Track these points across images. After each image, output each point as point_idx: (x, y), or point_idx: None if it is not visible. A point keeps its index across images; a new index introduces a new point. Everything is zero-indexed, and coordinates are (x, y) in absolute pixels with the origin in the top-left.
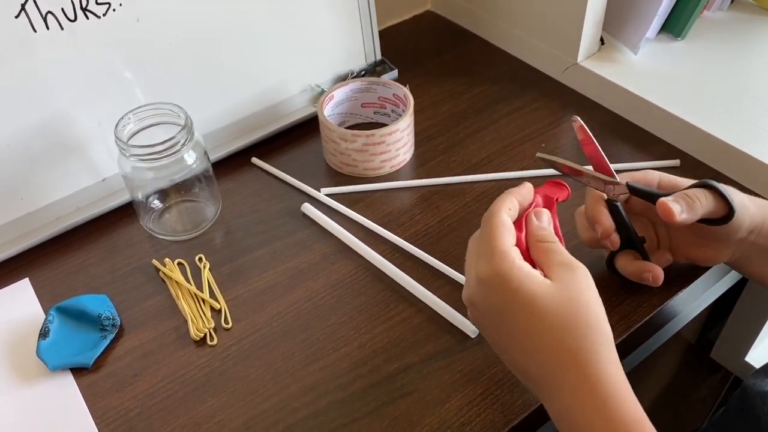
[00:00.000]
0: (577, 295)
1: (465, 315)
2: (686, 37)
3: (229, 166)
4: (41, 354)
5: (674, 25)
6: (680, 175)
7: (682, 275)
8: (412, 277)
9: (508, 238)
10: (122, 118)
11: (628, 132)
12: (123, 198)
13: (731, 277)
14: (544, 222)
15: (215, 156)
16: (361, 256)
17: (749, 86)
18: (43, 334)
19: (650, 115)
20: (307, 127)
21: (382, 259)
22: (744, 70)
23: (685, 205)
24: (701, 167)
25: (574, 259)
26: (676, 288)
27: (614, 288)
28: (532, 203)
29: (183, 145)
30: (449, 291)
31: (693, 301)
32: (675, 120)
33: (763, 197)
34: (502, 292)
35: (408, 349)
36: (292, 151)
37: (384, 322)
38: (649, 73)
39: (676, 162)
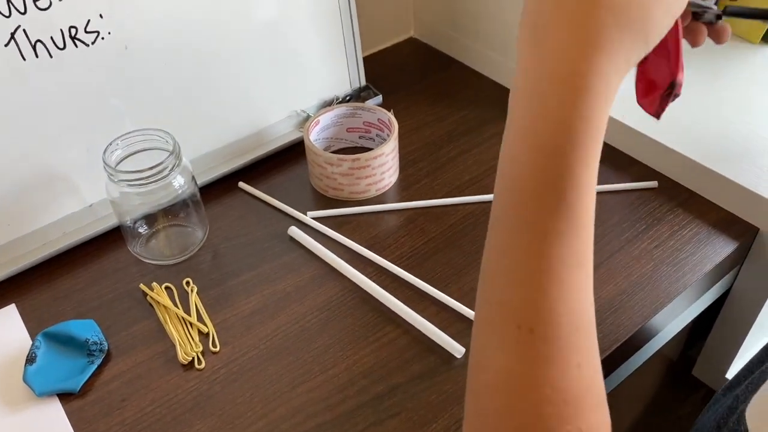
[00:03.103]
0: (656, 2)
1: (451, 335)
2: None
3: (216, 190)
4: (28, 379)
5: None
6: (657, 197)
7: (661, 294)
8: (398, 299)
9: None
10: (110, 144)
11: (608, 154)
12: (110, 223)
13: (711, 294)
14: None
15: (203, 180)
16: (347, 279)
17: (724, 110)
18: (30, 359)
19: (628, 138)
20: (294, 152)
21: (369, 281)
22: (719, 95)
23: None
24: (678, 188)
25: None
26: (656, 306)
27: (596, 307)
28: None
29: (171, 170)
30: (435, 312)
31: (673, 319)
32: (652, 143)
33: (737, 216)
34: None
35: (395, 370)
36: (279, 176)
37: (371, 343)
38: (628, 98)
39: (653, 183)
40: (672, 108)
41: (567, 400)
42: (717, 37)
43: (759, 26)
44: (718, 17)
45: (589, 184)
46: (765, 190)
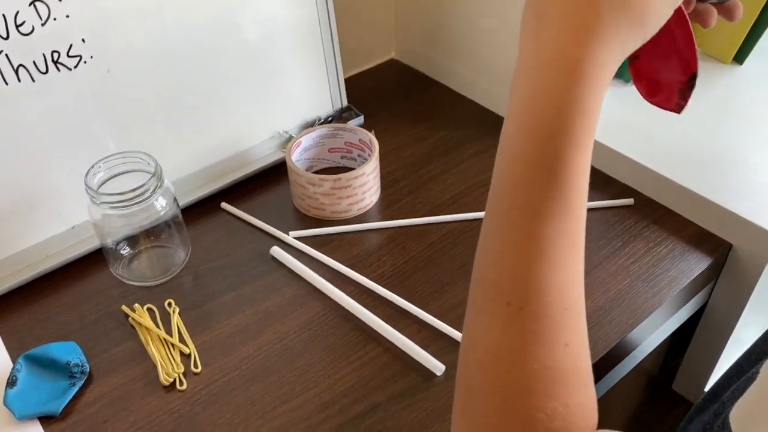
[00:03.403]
0: None
1: (431, 353)
2: None
3: (198, 211)
4: (8, 403)
5: (625, 72)
6: (633, 214)
7: (638, 310)
8: (379, 317)
9: None
10: (93, 166)
11: None
12: (92, 245)
13: (688, 309)
14: None
15: (185, 201)
16: (329, 298)
17: (698, 129)
18: (11, 383)
19: (605, 157)
20: (276, 172)
21: (350, 300)
22: (693, 114)
23: None
24: (653, 205)
25: None
26: (633, 322)
27: None
28: None
29: (153, 192)
30: (416, 330)
31: (651, 334)
32: (628, 162)
33: (710, 232)
34: None
35: (376, 389)
36: (261, 196)
37: (352, 362)
38: (603, 118)
39: (630, 201)
40: (647, 127)
41: (554, 378)
42: (729, 15)
43: (731, 45)
44: None
45: (581, 167)
46: (737, 206)
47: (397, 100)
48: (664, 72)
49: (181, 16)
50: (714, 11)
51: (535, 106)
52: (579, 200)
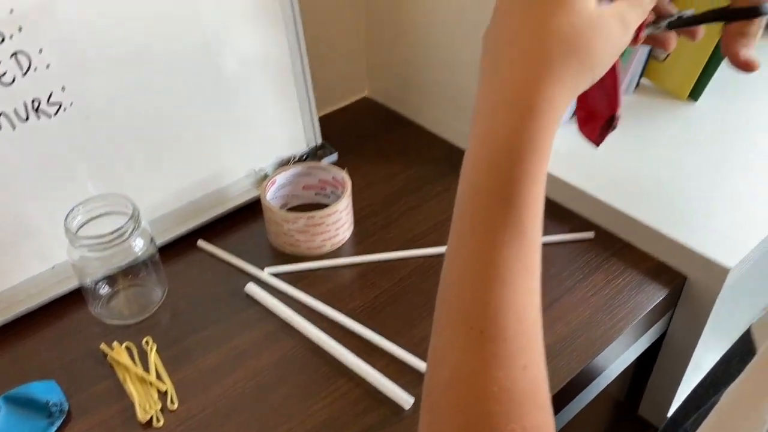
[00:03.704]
0: (603, 35)
1: (401, 386)
2: None
3: (175, 249)
4: None
5: None
6: (594, 247)
7: (597, 341)
8: (351, 351)
9: None
10: (72, 210)
11: (548, 206)
12: (72, 284)
13: (648, 337)
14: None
15: (162, 240)
16: (302, 333)
17: (655, 164)
18: None
19: (567, 192)
20: (252, 209)
21: (323, 335)
22: (650, 150)
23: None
24: (613, 238)
25: (632, 28)
26: (593, 352)
27: None
28: None
29: (130, 234)
30: (386, 363)
31: (612, 363)
32: (588, 197)
33: (667, 265)
34: None
35: (348, 424)
36: (238, 233)
37: (324, 397)
38: (566, 154)
39: (590, 234)
40: (608, 163)
41: (513, 399)
42: (692, 36)
43: (686, 82)
44: (681, 24)
45: (536, 197)
46: (691, 240)
47: (370, 138)
48: (597, 106)
49: (157, 61)
50: (672, 37)
51: (492, 142)
52: (534, 229)
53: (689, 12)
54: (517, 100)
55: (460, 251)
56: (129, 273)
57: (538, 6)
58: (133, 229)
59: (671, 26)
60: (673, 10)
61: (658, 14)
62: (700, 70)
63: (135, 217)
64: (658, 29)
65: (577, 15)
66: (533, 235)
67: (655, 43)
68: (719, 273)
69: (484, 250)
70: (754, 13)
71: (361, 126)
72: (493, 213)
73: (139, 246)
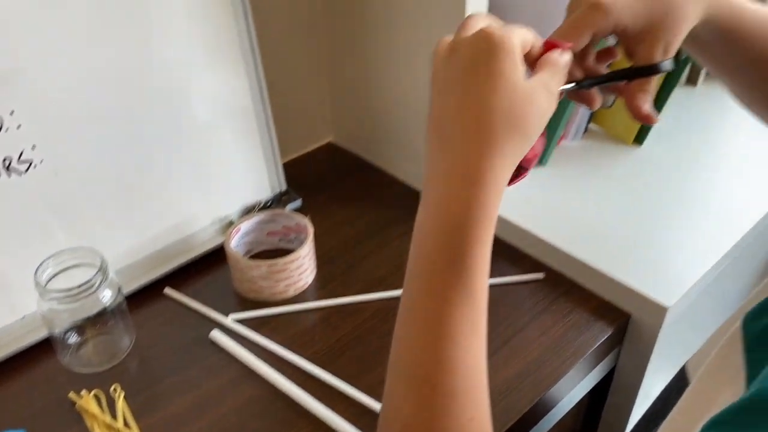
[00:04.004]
0: (535, 106)
1: (360, 428)
2: (547, 164)
3: (143, 296)
4: None
5: (542, 157)
6: (544, 288)
7: (546, 379)
8: (312, 395)
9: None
10: (42, 263)
11: (502, 248)
12: (41, 334)
13: (598, 372)
14: (566, 58)
15: (130, 288)
16: (265, 378)
17: (600, 208)
18: None
19: (519, 234)
20: (218, 256)
21: (285, 380)
22: (597, 194)
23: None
24: (562, 279)
25: (558, 93)
26: (542, 389)
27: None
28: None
29: (98, 286)
30: (345, 407)
31: (562, 399)
32: (538, 240)
33: (612, 304)
34: (493, 50)
35: None
36: (204, 279)
37: None
38: (517, 198)
39: (540, 275)
40: (556, 206)
41: None
42: (619, 91)
43: (631, 128)
44: (599, 82)
45: (483, 259)
46: (633, 281)
47: (334, 182)
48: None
49: (122, 116)
50: (596, 95)
51: (443, 210)
52: (482, 289)
53: (591, 80)
54: (464, 173)
55: (413, 311)
56: (97, 322)
57: (476, 85)
58: (101, 281)
59: (581, 87)
60: (602, 69)
61: (587, 73)
62: None
63: (103, 270)
64: (572, 88)
65: (512, 90)
66: (481, 295)
67: (581, 101)
68: (659, 311)
69: (436, 311)
70: (654, 70)
71: (326, 171)
72: (443, 276)
73: (107, 296)
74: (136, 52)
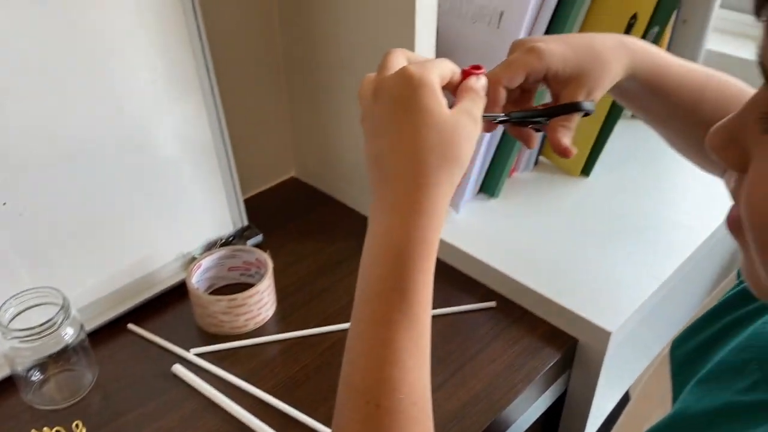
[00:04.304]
0: (462, 134)
1: None
2: (499, 196)
3: (106, 332)
4: None
5: (488, 186)
6: (496, 315)
7: (496, 404)
8: (271, 427)
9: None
10: (4, 303)
11: (455, 277)
12: (3, 373)
13: (549, 395)
14: (482, 82)
15: (93, 325)
16: (226, 411)
17: (550, 237)
18: None
19: (471, 264)
20: (180, 292)
21: (245, 412)
22: (546, 223)
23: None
24: (513, 306)
25: (480, 117)
26: (492, 415)
27: (442, 419)
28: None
29: (60, 324)
30: None
31: (518, 418)
32: (491, 269)
33: (560, 330)
34: (414, 89)
35: None
36: (166, 315)
37: None
38: (470, 229)
39: (492, 303)
40: (507, 236)
41: None
42: (527, 143)
43: (578, 160)
44: (526, 122)
45: (425, 284)
46: (580, 307)
47: (296, 216)
48: None
49: (85, 157)
50: (532, 134)
51: (387, 240)
52: (424, 312)
53: (520, 113)
54: (404, 205)
55: (359, 334)
56: (60, 359)
57: (405, 124)
58: (63, 320)
59: (510, 119)
60: (530, 104)
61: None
62: (590, 148)
63: (65, 308)
64: (500, 118)
65: (439, 124)
66: (423, 318)
67: (519, 138)
68: (603, 336)
69: (380, 334)
70: (575, 108)
71: (288, 205)
72: (388, 301)
73: (69, 334)
74: (97, 93)
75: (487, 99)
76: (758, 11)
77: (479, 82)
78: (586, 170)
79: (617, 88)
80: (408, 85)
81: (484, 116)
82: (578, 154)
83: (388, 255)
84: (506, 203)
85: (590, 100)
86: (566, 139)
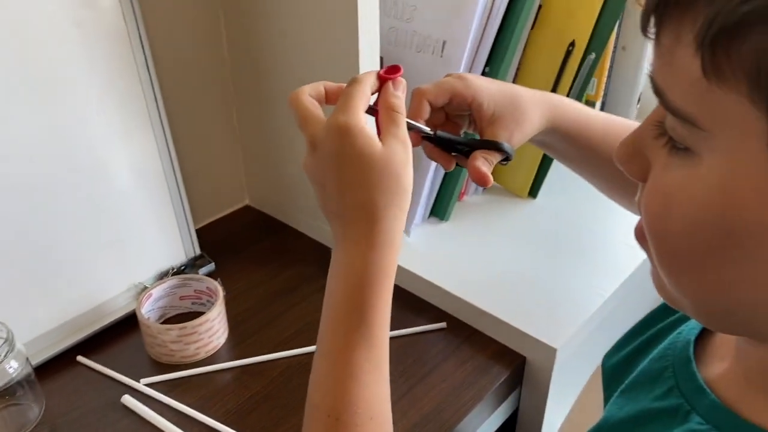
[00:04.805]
0: (398, 162)
1: None
2: (450, 219)
3: (56, 365)
4: None
5: (439, 209)
6: (446, 336)
7: (446, 423)
8: None
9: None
10: None
11: (406, 299)
12: None
13: (502, 412)
14: (399, 91)
15: (41, 358)
16: None
17: (498, 258)
18: None
19: (422, 286)
20: (132, 322)
21: None
22: (495, 245)
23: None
24: (463, 327)
25: (407, 136)
26: (449, 426)
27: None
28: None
29: (4, 357)
30: None
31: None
32: (440, 290)
33: (509, 348)
34: (346, 138)
35: None
36: (117, 345)
37: None
38: (421, 252)
39: (443, 324)
40: (457, 258)
41: None
42: (446, 165)
43: (525, 182)
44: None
45: (384, 308)
46: (526, 326)
47: (250, 244)
48: None
49: (34, 189)
50: (450, 158)
51: (347, 269)
52: (382, 334)
53: (445, 134)
54: (361, 242)
55: (324, 355)
56: (5, 394)
57: (346, 172)
58: (6, 353)
59: (437, 136)
60: (460, 127)
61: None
62: (535, 171)
63: (9, 341)
64: (427, 132)
65: (375, 162)
66: (382, 339)
67: (438, 161)
68: (550, 353)
69: (341, 353)
70: (496, 147)
71: (241, 233)
72: (348, 323)
73: (13, 367)
74: (45, 125)
75: (411, 107)
76: (644, 29)
77: (395, 95)
78: (533, 192)
79: (540, 142)
80: (337, 138)
81: (412, 127)
82: (525, 177)
83: (349, 284)
84: (456, 226)
85: (510, 145)
86: (484, 167)
